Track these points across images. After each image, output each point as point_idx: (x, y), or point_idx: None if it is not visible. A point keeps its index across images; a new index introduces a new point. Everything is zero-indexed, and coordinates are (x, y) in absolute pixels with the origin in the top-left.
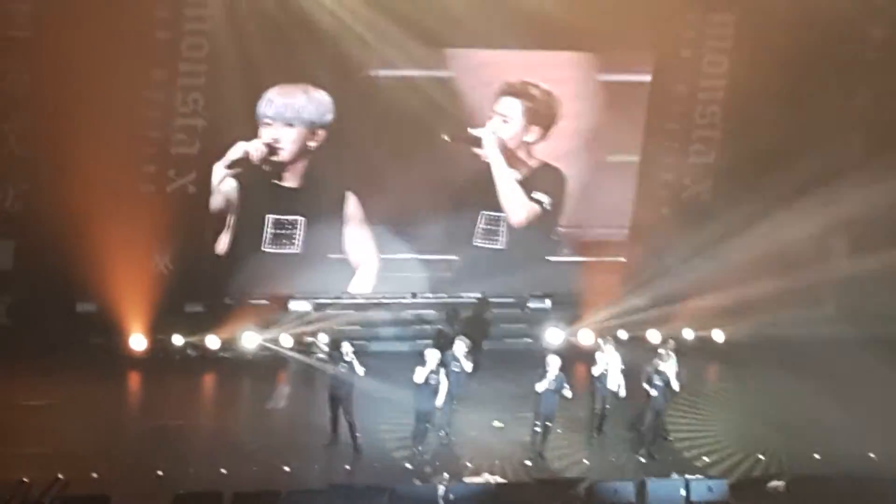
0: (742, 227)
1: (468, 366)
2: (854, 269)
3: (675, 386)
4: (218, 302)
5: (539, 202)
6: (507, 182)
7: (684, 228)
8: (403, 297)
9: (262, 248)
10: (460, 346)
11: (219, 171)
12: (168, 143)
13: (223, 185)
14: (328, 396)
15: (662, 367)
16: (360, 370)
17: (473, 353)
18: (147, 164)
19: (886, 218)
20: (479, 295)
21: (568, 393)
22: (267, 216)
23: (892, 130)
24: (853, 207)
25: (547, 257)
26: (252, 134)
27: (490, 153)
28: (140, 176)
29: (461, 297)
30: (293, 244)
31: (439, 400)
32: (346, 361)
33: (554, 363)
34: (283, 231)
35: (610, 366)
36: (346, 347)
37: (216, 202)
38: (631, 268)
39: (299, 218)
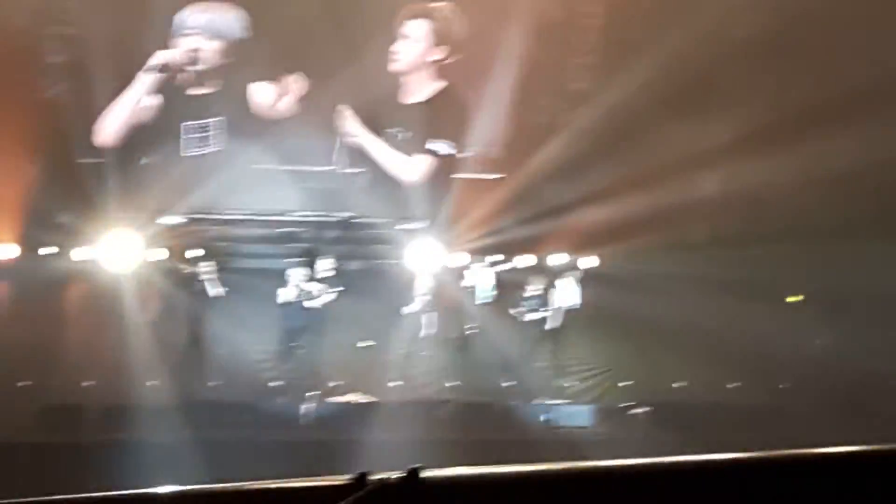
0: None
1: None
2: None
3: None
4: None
5: (433, 152)
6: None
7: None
8: (275, 214)
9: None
10: (323, 264)
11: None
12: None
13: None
14: (185, 316)
15: (531, 292)
16: (213, 291)
17: (338, 273)
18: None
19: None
20: (350, 213)
21: (432, 319)
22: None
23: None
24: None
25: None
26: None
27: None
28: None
29: (332, 216)
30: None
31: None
32: (199, 280)
33: (422, 285)
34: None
35: (477, 284)
36: (202, 267)
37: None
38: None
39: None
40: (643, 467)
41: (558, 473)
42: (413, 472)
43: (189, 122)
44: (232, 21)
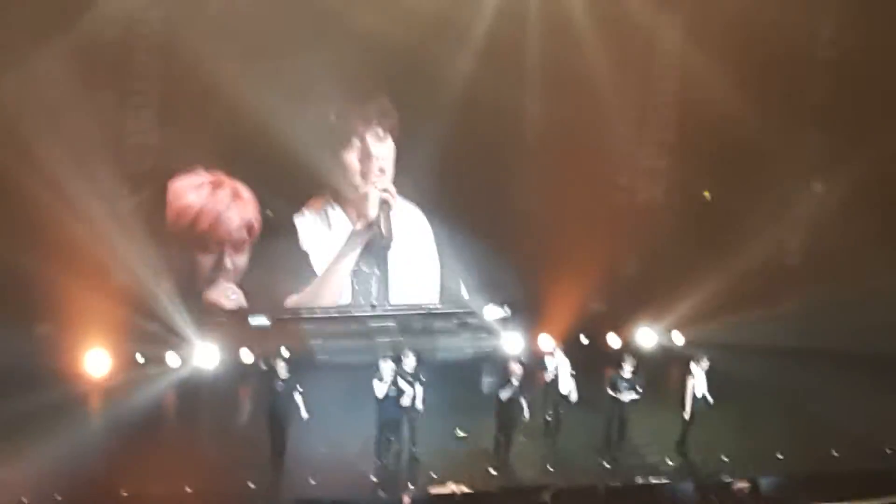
0: (699, 230)
1: (420, 378)
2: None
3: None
4: (178, 318)
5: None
6: None
7: (641, 232)
8: (363, 309)
9: None
10: (408, 360)
11: None
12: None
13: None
14: (268, 417)
15: (628, 371)
16: (298, 399)
17: (426, 364)
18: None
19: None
20: (437, 304)
21: (525, 398)
22: None
23: (847, 130)
24: (809, 209)
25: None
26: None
27: None
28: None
29: (420, 308)
30: None
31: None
32: (282, 380)
33: (516, 370)
34: None
35: (560, 370)
36: (281, 366)
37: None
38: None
39: None
40: None
41: None
42: None
43: None
44: None
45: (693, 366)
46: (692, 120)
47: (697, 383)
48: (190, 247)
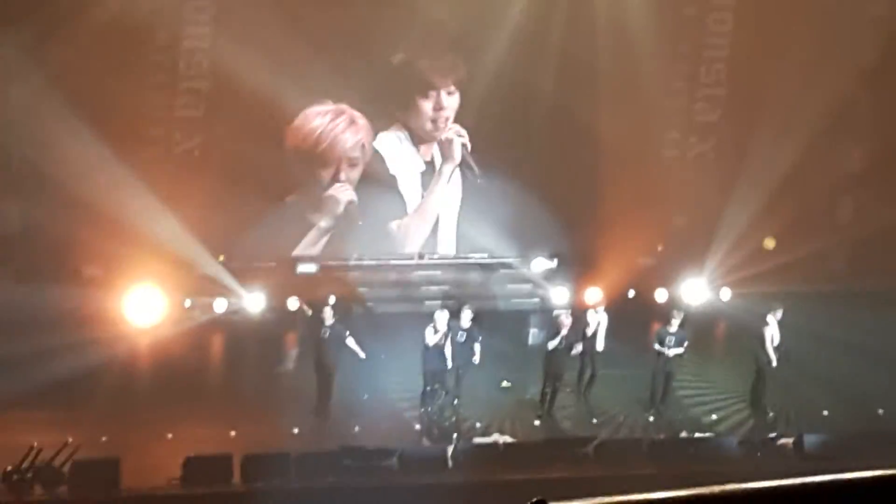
0: (749, 185)
1: (475, 334)
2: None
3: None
4: (226, 264)
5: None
6: None
7: (689, 186)
8: (410, 259)
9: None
10: (466, 315)
11: None
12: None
13: None
14: (314, 364)
15: (674, 326)
16: (352, 343)
17: (479, 317)
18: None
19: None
20: (485, 255)
21: (578, 348)
22: None
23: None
24: (857, 164)
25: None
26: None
27: None
28: (146, 139)
29: (467, 258)
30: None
31: (448, 362)
32: (328, 326)
33: (566, 321)
34: None
35: (600, 327)
36: (328, 313)
37: None
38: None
39: None
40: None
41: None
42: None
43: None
44: None
45: (769, 317)
46: (744, 74)
47: (773, 334)
48: (312, 162)
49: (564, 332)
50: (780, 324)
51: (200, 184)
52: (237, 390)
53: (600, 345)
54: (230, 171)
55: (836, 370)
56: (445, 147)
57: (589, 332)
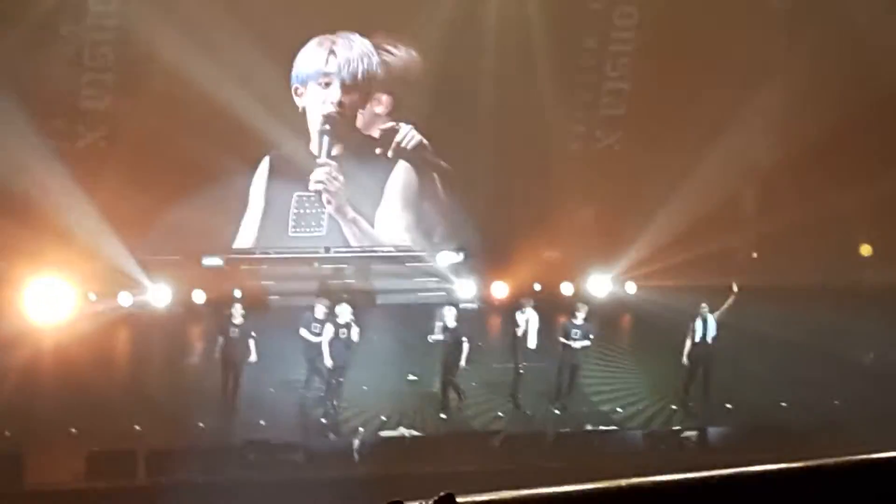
0: (653, 180)
1: (354, 332)
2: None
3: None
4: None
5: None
6: None
7: (595, 180)
8: (317, 252)
9: None
10: (344, 312)
11: None
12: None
13: None
14: (220, 358)
15: (580, 319)
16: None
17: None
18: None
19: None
20: (391, 248)
21: (465, 346)
22: None
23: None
24: (762, 156)
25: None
26: None
27: None
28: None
29: (374, 251)
30: None
31: (327, 361)
32: (234, 324)
33: (448, 314)
34: None
35: (530, 325)
36: (236, 308)
37: None
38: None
39: None
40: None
41: (594, 493)
42: (447, 498)
43: None
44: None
45: (702, 311)
46: (650, 67)
47: (704, 328)
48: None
49: (448, 323)
50: (706, 318)
51: (107, 174)
52: (142, 385)
53: (532, 342)
54: (137, 162)
55: (741, 364)
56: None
57: (519, 332)
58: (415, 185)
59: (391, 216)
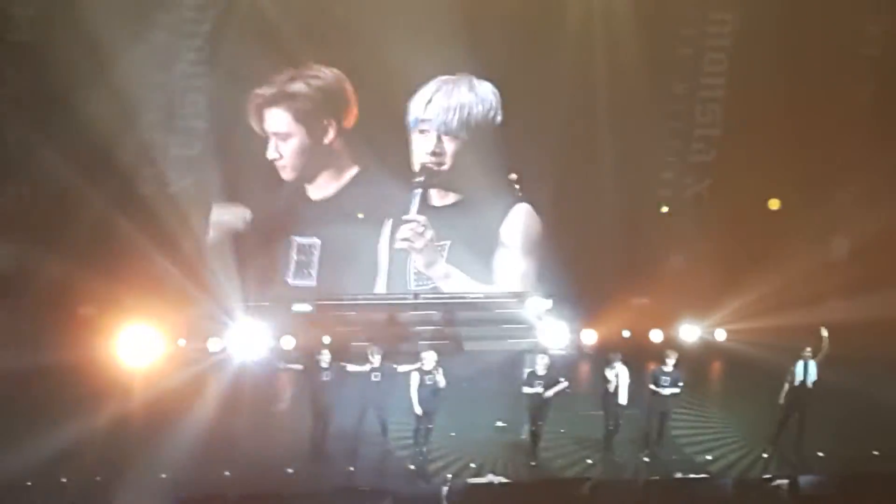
0: (742, 230)
1: (441, 380)
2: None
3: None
4: (220, 305)
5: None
6: None
7: (684, 227)
8: (405, 298)
9: None
10: (430, 359)
11: None
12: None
13: None
14: (310, 404)
15: (669, 366)
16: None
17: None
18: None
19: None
20: (480, 294)
21: (549, 393)
22: None
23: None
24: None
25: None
26: None
27: None
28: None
29: (464, 297)
30: None
31: (416, 408)
32: (324, 368)
33: (540, 362)
34: None
35: (620, 380)
36: (324, 356)
37: None
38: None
39: None
40: None
41: None
42: None
43: None
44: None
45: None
46: (740, 115)
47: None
48: None
49: (536, 371)
50: (808, 363)
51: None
52: (231, 431)
53: (623, 399)
54: None
55: (831, 411)
56: None
57: (610, 387)
58: (524, 232)
59: (501, 265)
